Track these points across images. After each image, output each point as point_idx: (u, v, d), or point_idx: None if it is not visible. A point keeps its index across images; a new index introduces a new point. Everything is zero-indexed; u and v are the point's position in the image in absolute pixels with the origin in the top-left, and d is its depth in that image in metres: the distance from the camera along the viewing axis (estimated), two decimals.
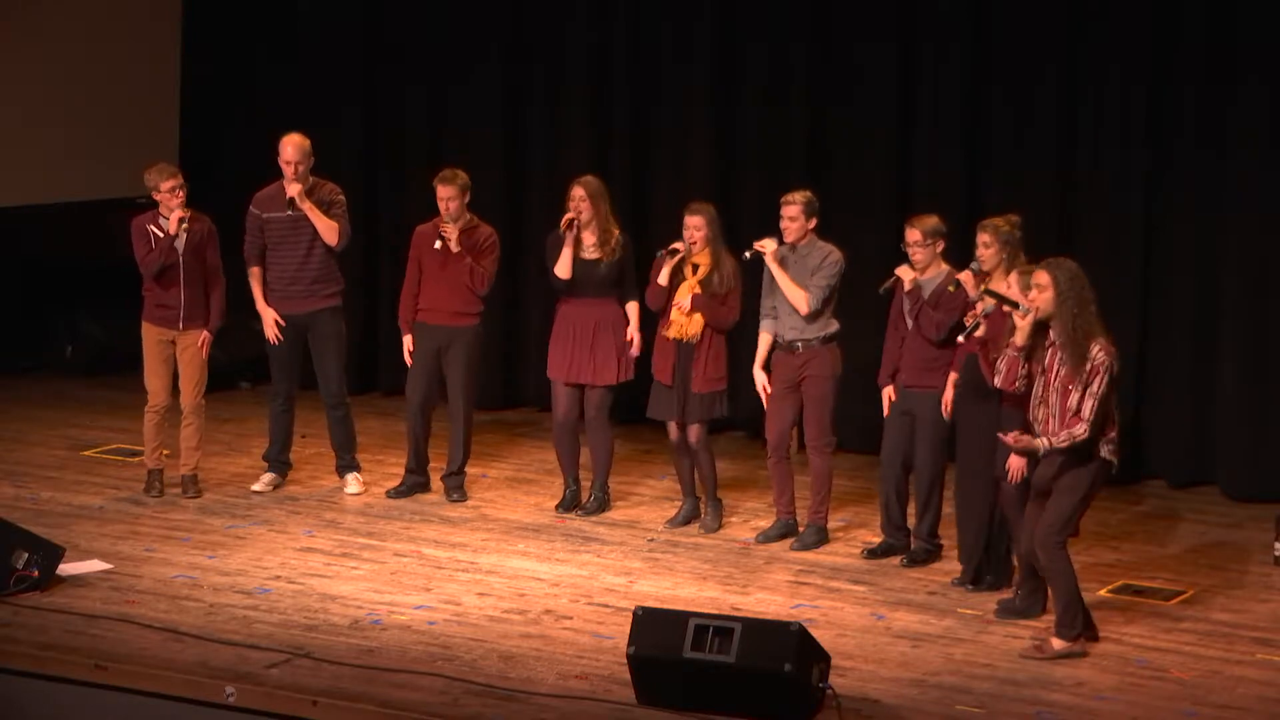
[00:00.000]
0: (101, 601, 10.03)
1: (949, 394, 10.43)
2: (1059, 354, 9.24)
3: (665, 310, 11.29)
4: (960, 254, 10.65)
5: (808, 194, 11.07)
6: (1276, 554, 10.96)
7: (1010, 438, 9.38)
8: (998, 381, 9.53)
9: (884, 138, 13.15)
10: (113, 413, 13.86)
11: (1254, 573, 10.86)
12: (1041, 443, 9.26)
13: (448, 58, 14.48)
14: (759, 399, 11.23)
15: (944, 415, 10.47)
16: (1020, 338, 9.33)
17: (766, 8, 13.43)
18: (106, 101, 14.94)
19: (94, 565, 10.58)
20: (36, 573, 10.09)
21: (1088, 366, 9.15)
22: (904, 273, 10.63)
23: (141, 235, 11.72)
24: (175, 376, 11.91)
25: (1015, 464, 9.64)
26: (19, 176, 14.56)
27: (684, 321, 11.22)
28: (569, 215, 11.50)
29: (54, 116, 14.67)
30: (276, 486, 12.19)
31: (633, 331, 11.57)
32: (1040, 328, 9.30)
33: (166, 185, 11.66)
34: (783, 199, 11.08)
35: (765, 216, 13.03)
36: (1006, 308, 9.52)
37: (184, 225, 11.64)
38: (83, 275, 15.06)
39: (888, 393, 10.79)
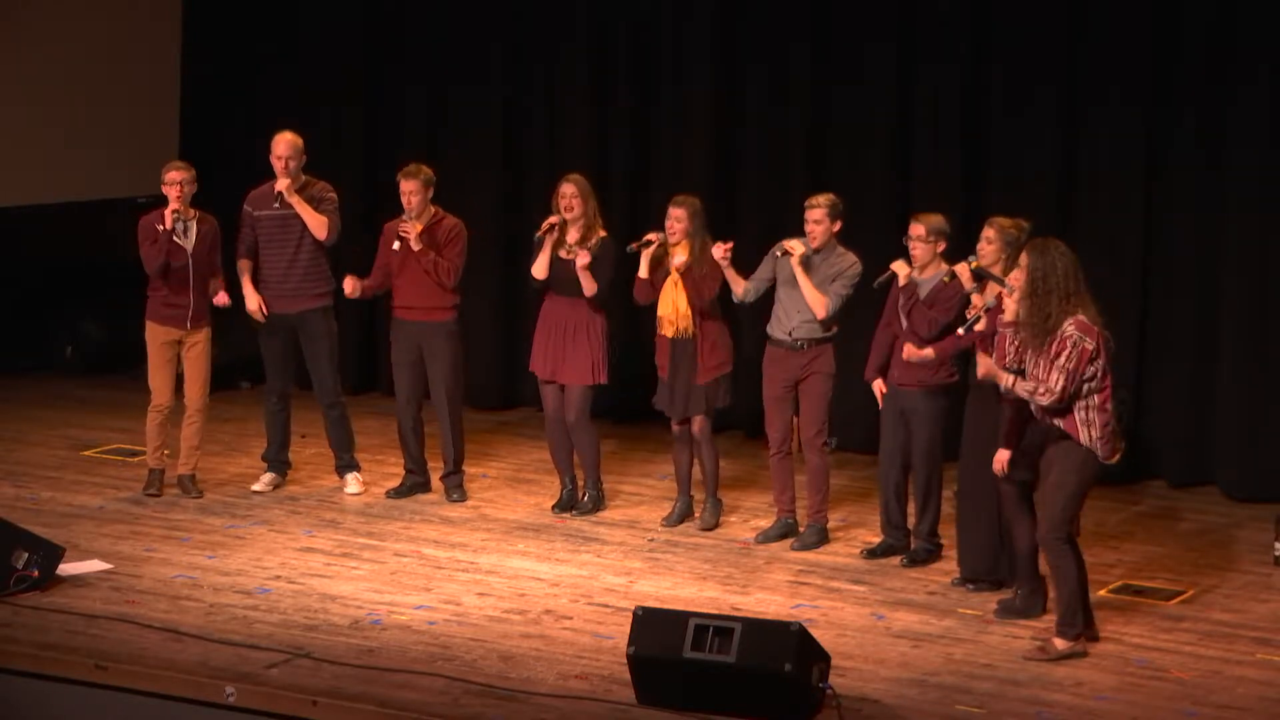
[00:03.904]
0: (101, 601, 10.03)
1: (913, 351, 10.43)
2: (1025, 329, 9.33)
3: (653, 303, 11.31)
4: (960, 254, 10.64)
5: (831, 197, 11.07)
6: (1276, 554, 10.96)
7: (983, 369, 9.53)
8: (994, 356, 9.57)
9: (884, 138, 13.15)
10: (113, 413, 13.87)
11: (1254, 573, 10.86)
12: (1006, 378, 9.34)
13: (448, 58, 14.49)
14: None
15: (905, 356, 10.48)
16: (1008, 314, 9.40)
17: (767, 7, 13.43)
18: (106, 101, 14.95)
19: (94, 565, 10.58)
20: (36, 573, 10.10)
21: (1056, 340, 9.18)
22: (899, 267, 10.65)
23: (147, 233, 11.75)
24: (178, 377, 11.91)
25: (1000, 458, 9.68)
26: (19, 176, 14.57)
27: (676, 318, 11.24)
28: (552, 219, 11.50)
29: (54, 116, 14.67)
30: (276, 486, 12.20)
31: (587, 256, 11.40)
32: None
33: (168, 178, 11.70)
34: (807, 202, 11.07)
35: (765, 216, 13.06)
36: (995, 285, 9.60)
37: (178, 219, 11.65)
38: (83, 275, 15.06)
39: (878, 386, 10.82)
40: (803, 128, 13.39)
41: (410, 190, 11.71)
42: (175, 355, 11.87)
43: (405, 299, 11.86)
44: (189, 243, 11.75)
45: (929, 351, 10.46)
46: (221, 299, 11.87)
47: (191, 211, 11.75)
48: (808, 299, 10.95)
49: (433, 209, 11.82)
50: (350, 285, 11.84)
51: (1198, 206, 12.36)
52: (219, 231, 11.91)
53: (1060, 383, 9.16)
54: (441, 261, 11.73)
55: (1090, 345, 9.18)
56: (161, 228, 11.69)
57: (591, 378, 11.56)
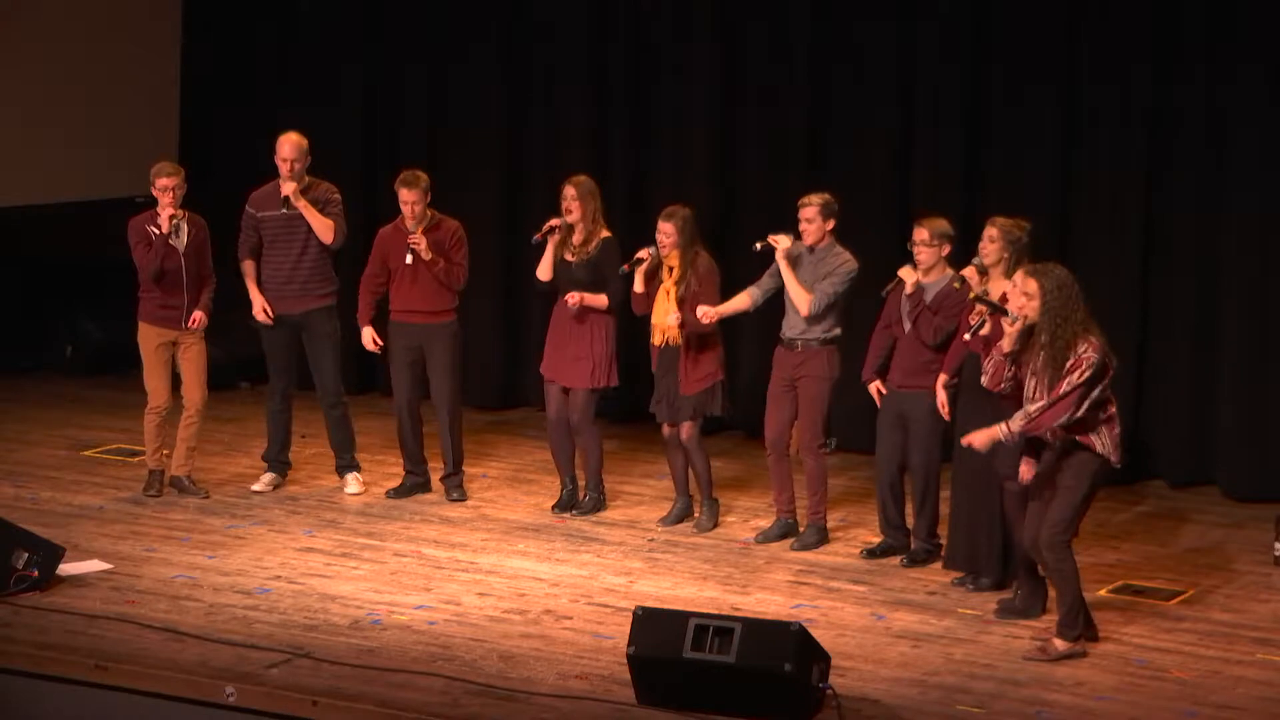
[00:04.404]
0: (101, 601, 10.03)
1: (942, 396, 10.45)
2: (1044, 358, 9.27)
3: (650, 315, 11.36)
4: (960, 254, 10.65)
5: (825, 196, 11.07)
6: (1276, 554, 10.96)
7: (967, 440, 9.43)
8: (984, 381, 9.55)
9: (884, 138, 13.15)
10: (113, 413, 13.86)
11: (1254, 573, 10.86)
12: (1000, 430, 9.29)
13: (447, 57, 14.49)
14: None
15: (944, 415, 10.48)
16: (1007, 343, 9.35)
17: (767, 7, 13.43)
18: (106, 101, 14.94)
19: (94, 565, 10.58)
20: (36, 573, 10.09)
21: (1070, 361, 9.16)
22: (906, 274, 10.64)
23: (140, 236, 11.74)
24: (174, 377, 11.91)
25: (1025, 468, 9.65)
26: (19, 176, 14.56)
27: (665, 326, 11.26)
28: (552, 221, 11.52)
29: (54, 116, 14.67)
30: (276, 486, 12.20)
31: (577, 296, 11.43)
32: (1030, 333, 9.31)
33: (160, 183, 11.68)
34: (800, 201, 11.08)
35: (765, 216, 13.05)
36: (994, 314, 9.55)
37: (175, 222, 11.65)
38: (83, 275, 15.06)
39: (875, 387, 10.84)
40: (802, 128, 13.39)
41: (412, 200, 11.71)
42: (170, 357, 11.87)
43: (408, 303, 11.87)
44: (181, 244, 11.75)
45: (941, 391, 10.44)
46: (197, 320, 11.80)
47: (182, 213, 11.75)
48: (791, 295, 10.97)
49: (429, 212, 11.83)
50: (369, 338, 11.93)
51: (1198, 206, 12.36)
52: (209, 232, 11.91)
53: (1062, 391, 9.12)
54: (452, 268, 11.75)
55: (1108, 366, 9.17)
56: (156, 231, 11.68)
57: (593, 381, 11.56)
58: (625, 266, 11.37)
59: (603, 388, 11.61)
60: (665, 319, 11.25)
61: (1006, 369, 9.39)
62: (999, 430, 9.30)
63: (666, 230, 11.27)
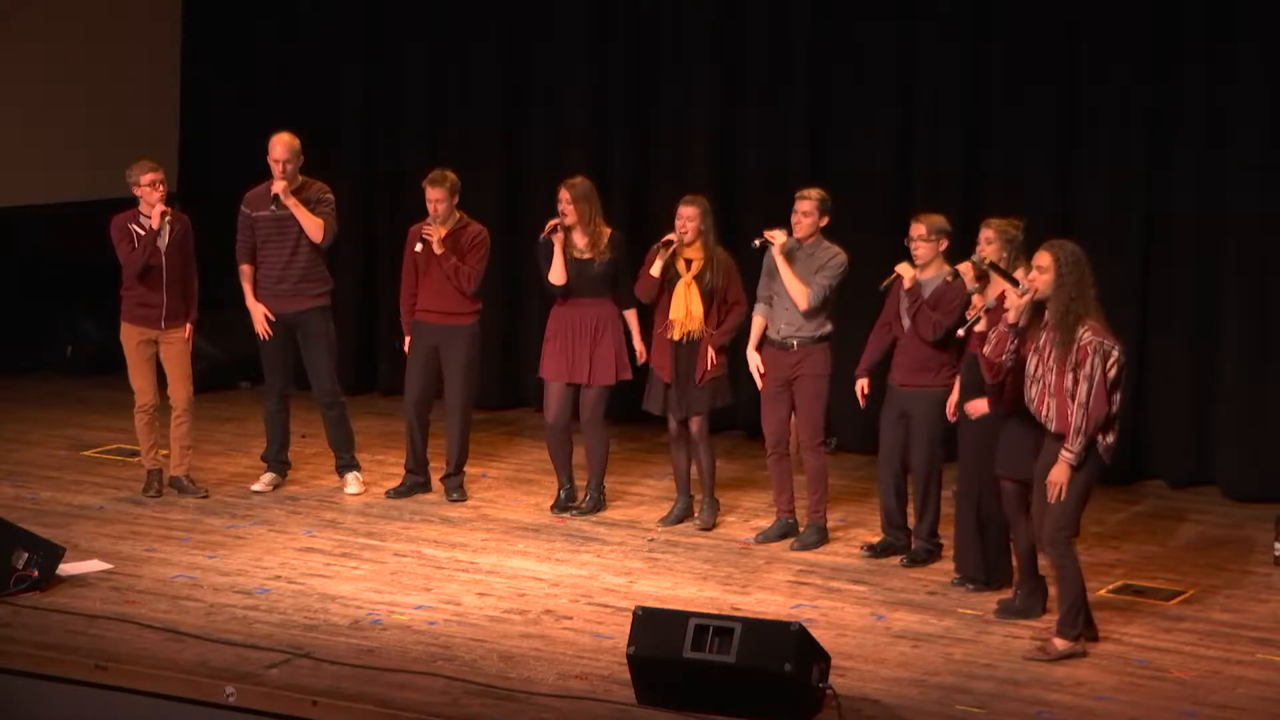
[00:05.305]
0: (101, 601, 10.03)
1: (954, 397, 10.43)
2: (1051, 334, 9.26)
3: (656, 302, 11.30)
4: (960, 254, 10.65)
5: (822, 192, 11.10)
6: (1276, 554, 10.96)
7: (1052, 494, 9.27)
8: (987, 350, 9.51)
9: (884, 138, 13.15)
10: (113, 413, 13.85)
11: (1254, 573, 10.86)
12: (1065, 457, 9.18)
13: (446, 58, 14.49)
14: (757, 399, 11.25)
15: (948, 417, 10.47)
16: (1013, 315, 9.33)
17: (767, 6, 13.43)
18: (106, 101, 14.95)
19: (94, 565, 10.58)
20: (36, 573, 10.09)
21: (1074, 349, 9.14)
22: (904, 270, 10.65)
23: (124, 234, 11.73)
24: (159, 375, 11.91)
25: (974, 408, 9.69)
26: (19, 176, 14.57)
27: (687, 320, 11.24)
28: (553, 221, 11.53)
29: (54, 116, 14.68)
30: (276, 486, 12.19)
31: (638, 343, 11.59)
32: (1037, 308, 9.30)
33: (146, 179, 11.68)
34: (797, 194, 11.09)
35: (765, 217, 13.04)
36: (1005, 285, 9.53)
37: (167, 220, 11.65)
38: (83, 275, 15.05)
39: (862, 385, 10.85)
40: (803, 128, 13.39)
41: (437, 198, 11.71)
42: (153, 354, 11.87)
43: (425, 302, 11.86)
44: (163, 242, 11.75)
45: (956, 392, 10.42)
46: (188, 334, 11.88)
47: (168, 210, 11.75)
48: (789, 289, 10.97)
49: (458, 214, 11.83)
50: (408, 346, 11.95)
51: (1198, 205, 12.36)
52: (191, 230, 11.90)
53: (1090, 392, 9.08)
54: (463, 267, 11.75)
55: (1114, 354, 9.15)
56: (141, 230, 11.67)
57: (615, 377, 11.57)
58: (658, 245, 11.26)
59: (617, 383, 11.61)
60: (684, 314, 11.22)
61: (1010, 341, 9.37)
62: (1065, 458, 9.18)
63: (689, 214, 11.21)
